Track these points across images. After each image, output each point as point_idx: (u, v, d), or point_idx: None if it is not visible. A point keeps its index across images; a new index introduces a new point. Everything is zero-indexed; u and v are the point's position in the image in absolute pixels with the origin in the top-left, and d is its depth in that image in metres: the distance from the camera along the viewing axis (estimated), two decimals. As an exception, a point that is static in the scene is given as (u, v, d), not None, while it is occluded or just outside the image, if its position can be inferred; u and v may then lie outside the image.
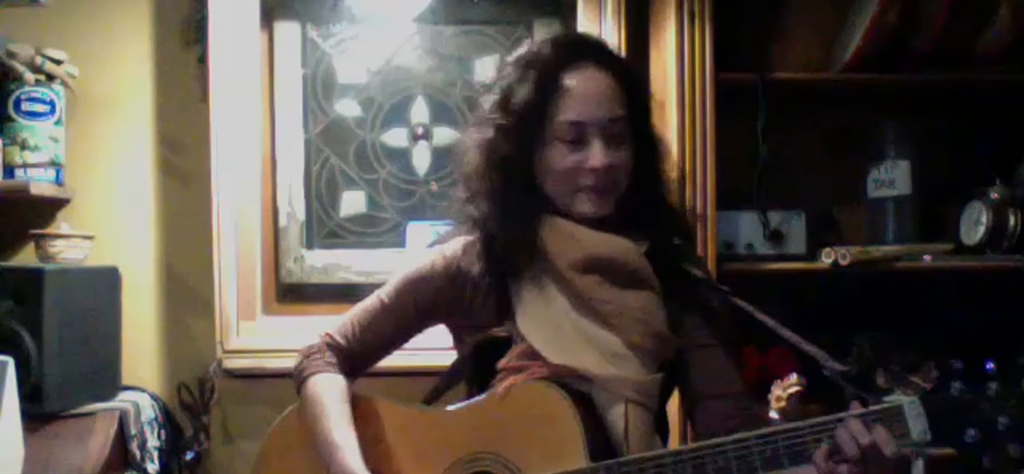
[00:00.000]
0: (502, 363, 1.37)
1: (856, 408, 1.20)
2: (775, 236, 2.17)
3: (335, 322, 1.52)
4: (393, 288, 1.49)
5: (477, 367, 1.44)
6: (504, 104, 1.41)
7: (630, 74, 1.45)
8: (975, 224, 2.21)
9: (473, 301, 1.44)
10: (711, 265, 2.03)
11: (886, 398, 1.22)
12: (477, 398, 1.40)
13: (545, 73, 1.39)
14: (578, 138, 1.37)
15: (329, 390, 1.44)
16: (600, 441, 1.33)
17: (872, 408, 1.20)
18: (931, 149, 2.28)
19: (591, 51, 1.43)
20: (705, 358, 1.43)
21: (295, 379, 1.50)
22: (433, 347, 1.59)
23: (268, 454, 1.50)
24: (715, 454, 1.23)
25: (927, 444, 1.18)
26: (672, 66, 2.06)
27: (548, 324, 1.38)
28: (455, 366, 1.52)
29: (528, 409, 1.33)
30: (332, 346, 1.49)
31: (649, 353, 1.37)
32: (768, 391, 2.10)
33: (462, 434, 1.38)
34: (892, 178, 2.26)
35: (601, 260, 1.38)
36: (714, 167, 2.05)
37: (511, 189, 1.40)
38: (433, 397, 1.54)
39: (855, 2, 2.16)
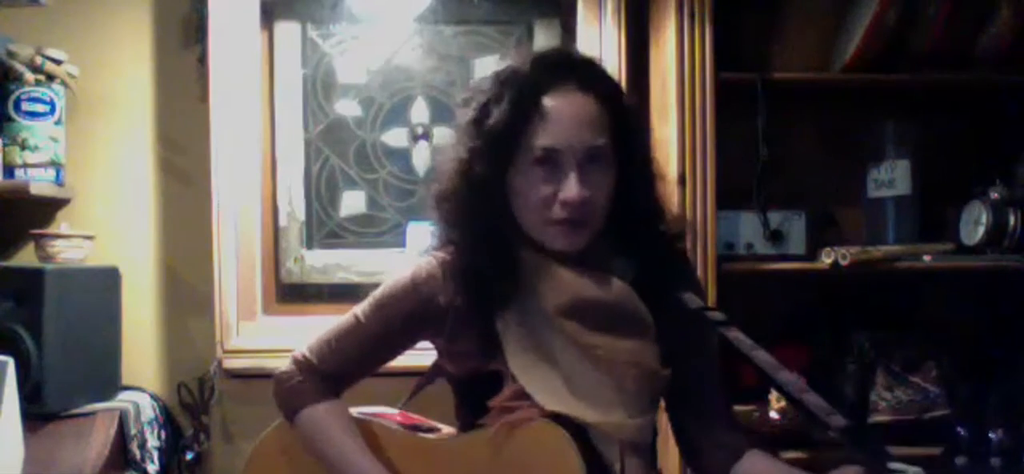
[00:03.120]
0: (494, 403, 1.32)
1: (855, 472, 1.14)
2: (775, 236, 2.16)
3: (309, 342, 1.43)
4: (370, 307, 1.40)
5: (468, 393, 1.39)
6: (479, 123, 1.32)
7: (618, 96, 1.37)
8: (975, 224, 2.21)
9: (454, 329, 1.36)
10: (711, 265, 2.03)
11: (892, 465, 1.15)
12: (476, 431, 1.35)
13: (523, 93, 1.30)
14: (553, 165, 1.29)
15: (336, 420, 1.39)
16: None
17: None
18: (931, 149, 2.28)
19: (575, 71, 1.33)
20: (701, 401, 1.41)
21: (282, 408, 1.43)
22: (420, 348, 1.50)
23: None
24: None
25: None
26: (672, 66, 2.06)
27: (539, 369, 1.31)
28: (435, 367, 1.47)
29: (531, 446, 1.28)
30: (309, 369, 1.41)
31: (642, 395, 1.32)
32: (768, 393, 2.10)
33: (461, 466, 1.34)
34: (892, 178, 2.26)
35: (587, 303, 1.31)
36: (714, 167, 2.04)
37: (484, 215, 1.32)
38: (412, 396, 1.51)
39: (855, 2, 2.16)
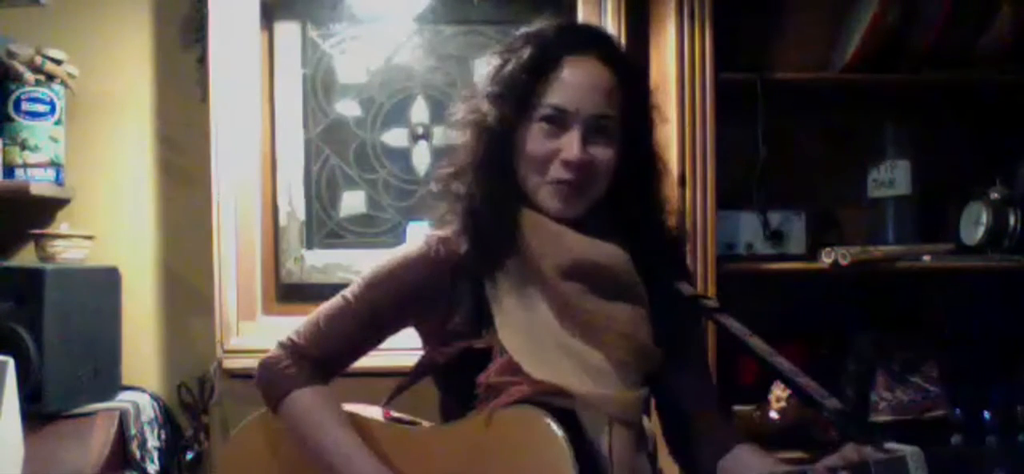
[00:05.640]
0: (482, 378, 1.29)
1: (852, 451, 1.15)
2: (775, 236, 2.17)
3: (297, 325, 1.41)
4: (359, 287, 1.39)
5: (455, 378, 1.36)
6: (499, 73, 1.34)
7: (635, 76, 1.39)
8: (975, 224, 2.21)
9: (450, 303, 1.35)
10: (711, 265, 2.03)
11: (887, 445, 1.18)
12: (462, 420, 1.32)
13: (544, 50, 1.32)
14: (559, 124, 1.30)
15: (324, 405, 1.36)
16: (588, 462, 1.24)
17: (876, 457, 1.15)
18: (931, 149, 2.28)
19: (598, 43, 1.35)
20: (688, 381, 1.39)
21: (266, 393, 1.40)
22: (406, 347, 1.49)
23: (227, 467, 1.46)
24: None
25: None
26: (672, 66, 2.06)
27: (529, 336, 1.30)
28: (420, 365, 1.43)
29: (517, 436, 1.24)
30: (297, 354, 1.39)
31: (633, 368, 1.30)
32: (768, 392, 2.10)
33: (445, 456, 1.30)
34: (892, 178, 2.26)
35: (587, 266, 1.30)
36: (714, 167, 2.04)
37: (494, 162, 1.32)
38: (395, 396, 1.46)
39: (855, 2, 2.16)
